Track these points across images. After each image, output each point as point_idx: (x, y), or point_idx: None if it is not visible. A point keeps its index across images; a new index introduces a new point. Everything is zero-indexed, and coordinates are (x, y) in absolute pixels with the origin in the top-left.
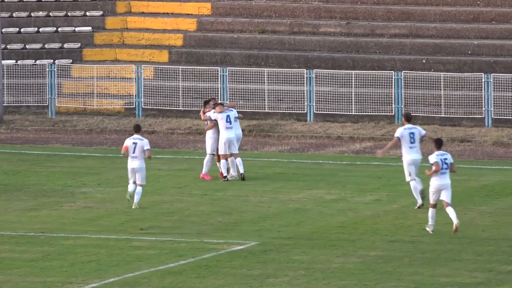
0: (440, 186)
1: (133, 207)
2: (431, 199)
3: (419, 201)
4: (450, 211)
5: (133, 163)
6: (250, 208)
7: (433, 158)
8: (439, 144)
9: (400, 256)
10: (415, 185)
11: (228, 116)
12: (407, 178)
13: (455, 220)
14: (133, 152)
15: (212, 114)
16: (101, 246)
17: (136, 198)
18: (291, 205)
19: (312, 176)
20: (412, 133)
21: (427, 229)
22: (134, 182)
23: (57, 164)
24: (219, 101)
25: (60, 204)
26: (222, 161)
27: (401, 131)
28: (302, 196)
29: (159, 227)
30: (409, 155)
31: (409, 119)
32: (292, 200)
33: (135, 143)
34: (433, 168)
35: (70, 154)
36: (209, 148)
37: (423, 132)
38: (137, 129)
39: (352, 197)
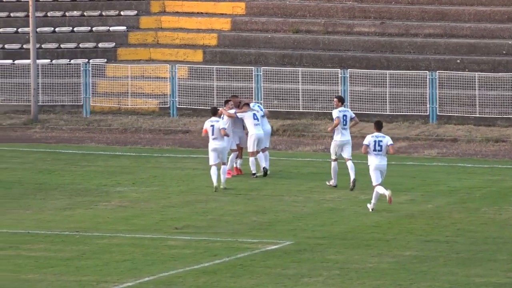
0: (378, 166)
1: (221, 186)
2: (374, 180)
3: (333, 182)
4: (380, 188)
5: (215, 144)
6: (284, 207)
7: (367, 139)
8: (378, 126)
9: (435, 256)
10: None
11: (254, 114)
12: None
13: (387, 192)
14: (212, 134)
15: (238, 113)
16: (136, 245)
17: (222, 178)
18: (325, 205)
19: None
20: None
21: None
22: (215, 165)
23: (92, 163)
24: (245, 100)
25: (95, 203)
26: (251, 158)
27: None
28: (336, 196)
29: (194, 227)
30: (375, 161)
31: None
32: (327, 199)
33: (212, 125)
34: (362, 148)
35: (105, 154)
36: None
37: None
38: (214, 112)
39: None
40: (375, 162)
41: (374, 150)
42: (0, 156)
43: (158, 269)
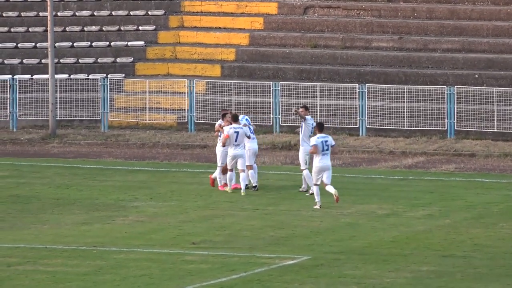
0: (322, 167)
1: (242, 193)
2: (315, 179)
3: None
4: (330, 188)
5: (236, 151)
6: (302, 222)
7: (313, 140)
8: (320, 127)
9: (453, 271)
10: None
11: (250, 128)
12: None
13: (334, 191)
14: (236, 141)
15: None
16: (153, 260)
17: (243, 185)
18: (343, 220)
19: (364, 191)
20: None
21: (315, 207)
22: (231, 170)
23: (110, 178)
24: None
25: (113, 218)
26: (250, 172)
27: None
28: (354, 211)
29: (211, 242)
30: (321, 162)
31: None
32: (344, 214)
33: (237, 132)
34: (312, 149)
35: (123, 168)
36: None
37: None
38: (235, 119)
39: (404, 212)
40: (321, 162)
41: (322, 150)
42: (18, 171)
43: (175, 284)
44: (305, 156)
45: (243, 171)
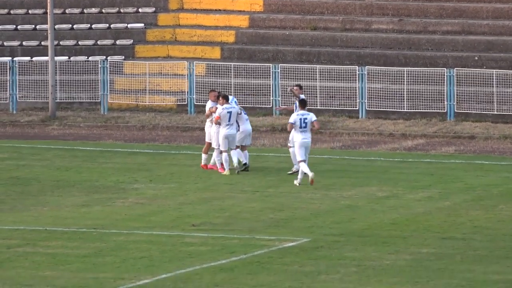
0: (301, 143)
1: (235, 166)
2: (299, 156)
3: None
4: (304, 166)
5: (229, 131)
6: (301, 204)
7: (292, 117)
8: (302, 104)
9: (452, 253)
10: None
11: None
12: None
13: (310, 173)
14: (229, 120)
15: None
16: (153, 242)
17: (234, 160)
18: (342, 202)
19: (364, 173)
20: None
21: (295, 182)
22: (226, 151)
23: (109, 160)
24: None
25: (112, 200)
26: (238, 150)
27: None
28: (354, 193)
29: (211, 224)
30: (299, 138)
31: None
32: (344, 197)
33: (230, 112)
34: (288, 126)
35: (122, 151)
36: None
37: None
38: (227, 98)
39: (404, 194)
40: (299, 138)
41: (300, 127)
42: (18, 153)
43: (175, 266)
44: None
45: (237, 147)
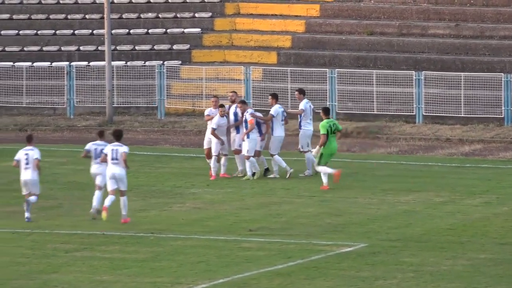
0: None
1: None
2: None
3: (310, 172)
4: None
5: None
6: (358, 210)
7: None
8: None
9: (510, 259)
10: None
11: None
12: (305, 149)
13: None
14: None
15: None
16: (210, 247)
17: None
18: (400, 207)
19: (421, 178)
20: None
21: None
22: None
23: (166, 165)
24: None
25: (169, 205)
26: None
27: (304, 104)
28: (411, 198)
29: (268, 229)
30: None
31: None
32: (401, 202)
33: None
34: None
35: (179, 155)
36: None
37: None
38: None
39: (462, 200)
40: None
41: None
42: (75, 157)
43: (232, 271)
44: (306, 139)
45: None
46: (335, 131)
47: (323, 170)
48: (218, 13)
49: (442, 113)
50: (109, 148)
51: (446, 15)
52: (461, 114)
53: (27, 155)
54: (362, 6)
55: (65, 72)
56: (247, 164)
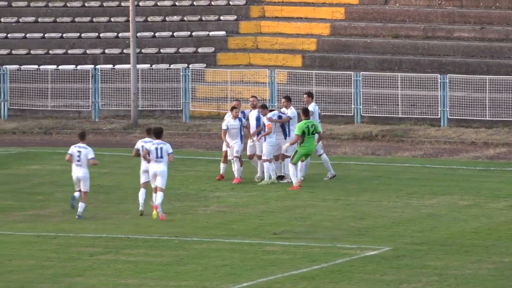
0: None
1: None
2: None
3: (332, 172)
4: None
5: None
6: (383, 213)
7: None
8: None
9: None
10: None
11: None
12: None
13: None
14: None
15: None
16: (234, 250)
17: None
18: (424, 211)
19: (446, 182)
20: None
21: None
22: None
23: (191, 168)
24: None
25: (194, 208)
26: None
27: (313, 107)
28: (435, 202)
29: (292, 232)
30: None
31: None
32: (426, 205)
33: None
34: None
35: (204, 158)
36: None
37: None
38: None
39: (486, 203)
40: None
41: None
42: (100, 160)
43: (256, 274)
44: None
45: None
46: (314, 132)
47: (292, 172)
48: (243, 16)
49: (467, 116)
50: (152, 146)
51: (471, 18)
52: (486, 117)
53: (79, 152)
54: (387, 9)
55: (90, 75)
56: (265, 168)
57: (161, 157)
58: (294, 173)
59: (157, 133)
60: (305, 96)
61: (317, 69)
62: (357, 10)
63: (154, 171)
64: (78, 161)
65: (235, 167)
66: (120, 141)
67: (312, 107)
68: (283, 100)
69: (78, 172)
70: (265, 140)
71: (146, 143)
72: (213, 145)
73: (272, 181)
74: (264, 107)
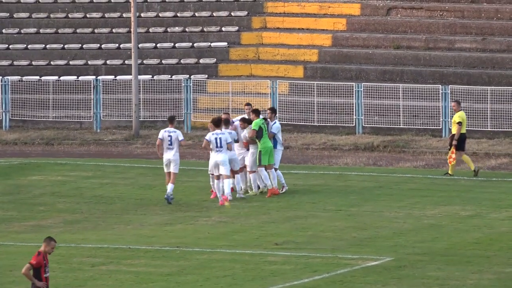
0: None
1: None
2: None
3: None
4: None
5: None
6: (385, 223)
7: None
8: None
9: None
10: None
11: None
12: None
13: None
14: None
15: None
16: (236, 261)
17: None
18: (426, 221)
19: (447, 192)
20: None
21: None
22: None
23: (193, 179)
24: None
25: (196, 218)
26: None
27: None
28: (437, 212)
29: (294, 242)
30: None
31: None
32: (427, 216)
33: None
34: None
35: (205, 169)
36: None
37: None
38: (218, 124)
39: (488, 213)
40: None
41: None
42: (101, 171)
43: (258, 284)
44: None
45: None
46: (267, 131)
47: (264, 176)
48: (245, 27)
49: (468, 127)
50: (212, 137)
51: (473, 29)
52: (487, 128)
53: (170, 136)
54: (388, 20)
55: (92, 86)
56: (251, 179)
57: (221, 146)
58: (266, 176)
59: (216, 123)
60: (268, 111)
61: (318, 80)
62: (359, 21)
63: (215, 161)
64: (170, 144)
65: (253, 181)
66: (121, 152)
67: (276, 126)
68: (268, 111)
69: (169, 154)
70: (247, 150)
71: (218, 135)
72: None
73: (261, 191)
74: (245, 121)
